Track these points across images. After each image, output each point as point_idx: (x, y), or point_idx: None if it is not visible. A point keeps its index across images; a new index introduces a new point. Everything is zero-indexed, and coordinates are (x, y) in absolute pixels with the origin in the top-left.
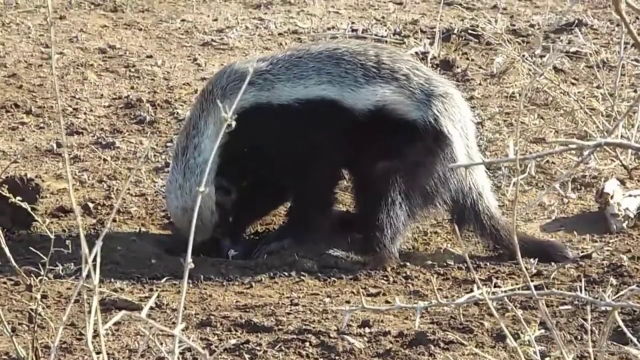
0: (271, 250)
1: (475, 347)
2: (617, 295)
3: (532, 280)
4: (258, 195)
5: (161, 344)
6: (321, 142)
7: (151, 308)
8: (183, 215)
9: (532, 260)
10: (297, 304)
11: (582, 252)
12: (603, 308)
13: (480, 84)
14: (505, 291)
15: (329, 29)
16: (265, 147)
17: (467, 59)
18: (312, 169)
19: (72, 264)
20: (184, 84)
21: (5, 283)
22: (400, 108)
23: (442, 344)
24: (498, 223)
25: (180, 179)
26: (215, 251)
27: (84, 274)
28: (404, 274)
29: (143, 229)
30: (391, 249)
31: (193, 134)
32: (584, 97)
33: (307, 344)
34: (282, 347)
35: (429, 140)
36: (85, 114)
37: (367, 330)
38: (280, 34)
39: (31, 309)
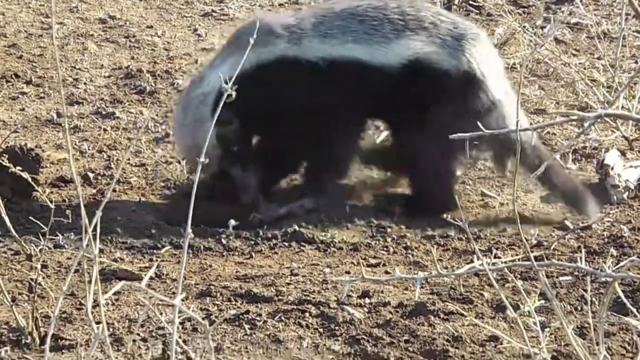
0: (293, 212)
1: (475, 317)
2: (617, 266)
3: (532, 251)
4: (278, 156)
5: (161, 313)
6: (347, 100)
7: (151, 278)
8: (189, 153)
9: (532, 231)
10: (297, 275)
11: (583, 223)
12: (603, 279)
13: None
14: (505, 262)
15: None
16: (284, 101)
17: None
18: (335, 126)
19: (72, 233)
20: (184, 55)
21: (5, 253)
22: (434, 58)
23: (442, 315)
24: (539, 150)
25: (180, 115)
26: (229, 181)
27: (84, 243)
28: (404, 245)
29: (143, 199)
30: (444, 192)
31: (205, 70)
32: (584, 68)
33: (307, 314)
34: (282, 318)
35: (465, 86)
36: (85, 84)
37: (367, 300)
38: (280, 4)
39: (31, 279)
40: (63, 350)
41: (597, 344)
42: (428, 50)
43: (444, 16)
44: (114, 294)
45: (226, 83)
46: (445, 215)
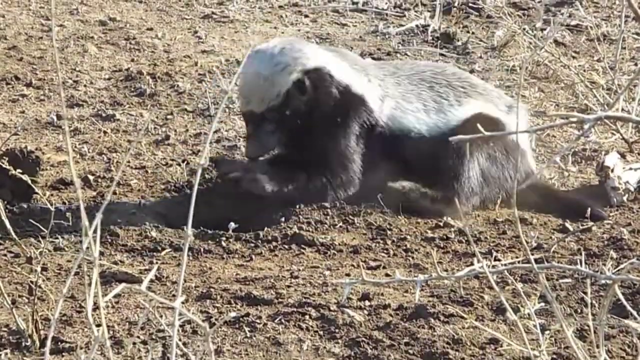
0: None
1: (475, 320)
2: (617, 269)
3: (532, 254)
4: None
5: (161, 316)
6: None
7: (151, 281)
8: (257, 79)
9: (532, 234)
10: (297, 277)
11: (582, 225)
12: (603, 281)
13: (480, 57)
14: (505, 264)
15: (329, 1)
16: (342, 123)
17: (468, 32)
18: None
19: (72, 236)
20: (184, 57)
21: (5, 255)
22: (492, 115)
23: (442, 317)
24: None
25: (268, 55)
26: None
27: (84, 246)
28: (404, 247)
29: (143, 202)
30: (467, 201)
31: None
32: (584, 71)
33: (307, 316)
34: (282, 320)
35: (509, 145)
36: (85, 86)
37: (367, 303)
38: (280, 6)
39: (31, 282)
40: (63, 353)
41: (597, 346)
42: (488, 110)
43: (489, 86)
44: (114, 296)
45: (308, 72)
46: (445, 217)
